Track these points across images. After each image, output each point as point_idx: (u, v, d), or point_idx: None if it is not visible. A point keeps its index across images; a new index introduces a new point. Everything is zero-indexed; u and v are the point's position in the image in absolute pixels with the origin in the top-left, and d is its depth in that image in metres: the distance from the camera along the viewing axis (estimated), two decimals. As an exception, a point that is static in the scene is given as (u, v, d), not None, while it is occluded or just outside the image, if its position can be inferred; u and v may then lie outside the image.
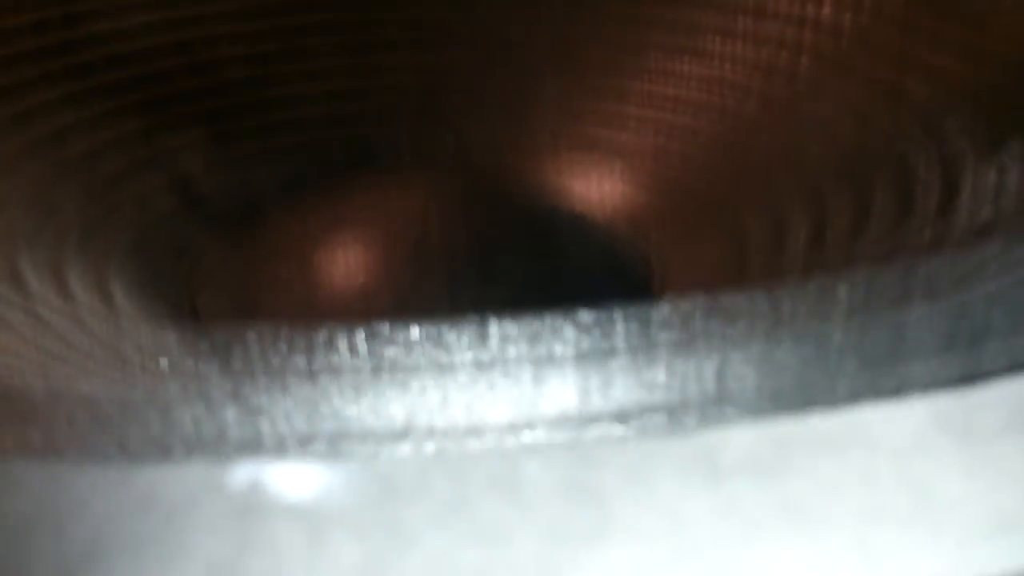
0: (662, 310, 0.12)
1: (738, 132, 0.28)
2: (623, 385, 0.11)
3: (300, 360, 0.10)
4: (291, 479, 0.10)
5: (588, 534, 0.10)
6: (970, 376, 0.11)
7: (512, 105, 0.29)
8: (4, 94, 0.26)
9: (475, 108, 0.29)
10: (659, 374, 0.11)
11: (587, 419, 0.10)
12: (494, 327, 0.11)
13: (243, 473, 0.10)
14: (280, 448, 0.10)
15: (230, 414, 0.10)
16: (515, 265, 0.26)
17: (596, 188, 0.28)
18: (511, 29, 0.30)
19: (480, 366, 0.10)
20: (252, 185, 0.28)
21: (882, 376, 0.11)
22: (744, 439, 0.10)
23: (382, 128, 0.29)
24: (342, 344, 0.10)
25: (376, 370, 0.10)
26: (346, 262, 0.26)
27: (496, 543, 0.09)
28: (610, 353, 0.11)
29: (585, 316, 0.11)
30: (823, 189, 0.26)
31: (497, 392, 0.10)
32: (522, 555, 0.09)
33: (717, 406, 0.10)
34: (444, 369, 0.11)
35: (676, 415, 0.10)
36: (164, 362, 0.10)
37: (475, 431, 0.11)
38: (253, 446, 0.10)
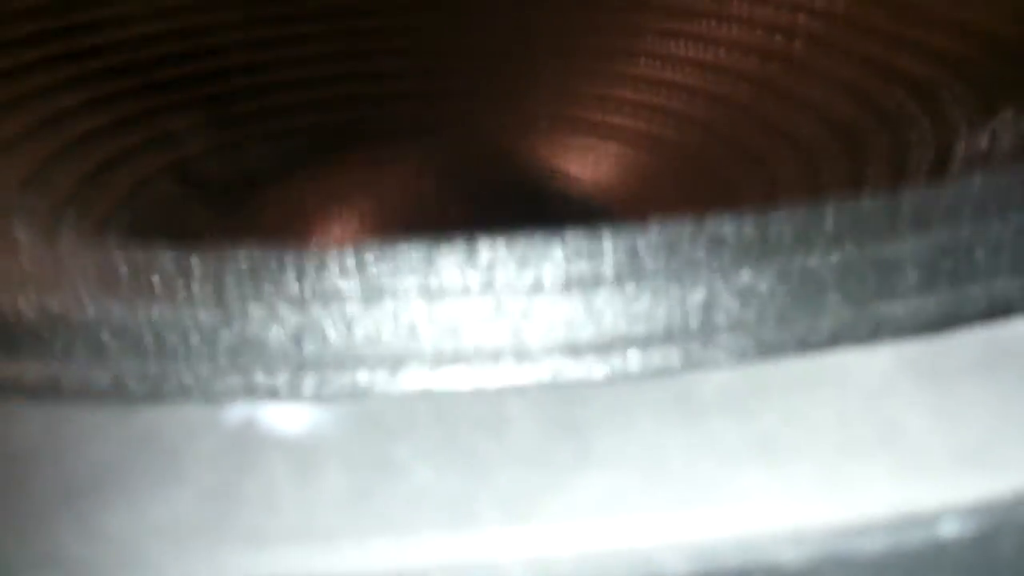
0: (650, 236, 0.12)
1: (733, 114, 0.28)
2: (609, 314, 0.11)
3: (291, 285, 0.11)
4: (284, 418, 0.11)
5: (567, 465, 0.10)
6: (947, 318, 0.11)
7: (509, 88, 0.29)
8: (3, 76, 0.26)
9: (472, 91, 0.29)
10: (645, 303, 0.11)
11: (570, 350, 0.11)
12: (484, 250, 0.11)
13: (238, 412, 0.10)
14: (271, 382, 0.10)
15: (223, 344, 0.11)
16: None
17: (593, 170, 0.29)
18: (509, 14, 0.30)
19: (468, 291, 0.11)
20: (251, 166, 0.28)
21: (862, 312, 0.12)
22: (722, 379, 0.11)
23: (380, 110, 0.29)
24: (333, 267, 0.11)
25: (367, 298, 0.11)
26: (343, 240, 0.26)
27: (479, 474, 0.10)
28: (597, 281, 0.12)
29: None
30: (818, 163, 0.26)
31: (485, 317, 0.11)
32: (503, 484, 0.10)
33: (701, 340, 0.11)
34: (433, 294, 0.11)
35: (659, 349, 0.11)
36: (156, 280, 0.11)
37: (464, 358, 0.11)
38: (244, 376, 0.10)
